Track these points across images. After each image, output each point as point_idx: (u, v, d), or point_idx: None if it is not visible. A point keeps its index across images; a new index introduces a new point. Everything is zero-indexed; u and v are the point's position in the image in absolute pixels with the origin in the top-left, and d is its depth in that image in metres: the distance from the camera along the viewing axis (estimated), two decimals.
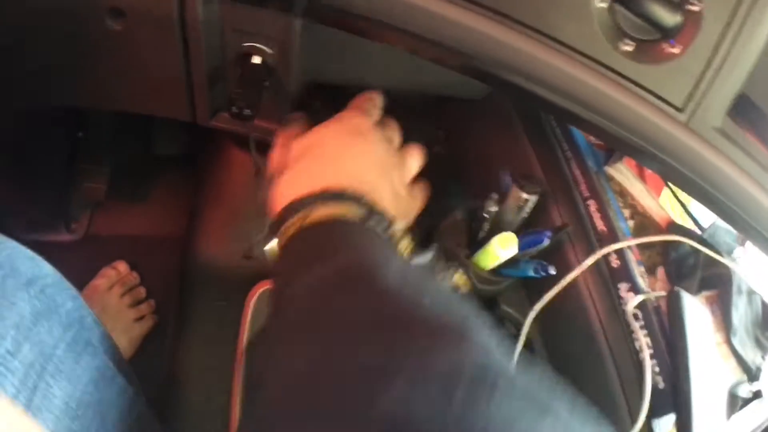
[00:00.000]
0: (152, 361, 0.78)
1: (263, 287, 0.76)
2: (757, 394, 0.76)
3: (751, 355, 0.71)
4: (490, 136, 0.68)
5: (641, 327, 0.61)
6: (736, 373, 0.70)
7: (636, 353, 0.61)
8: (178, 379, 0.74)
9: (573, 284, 0.62)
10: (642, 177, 0.70)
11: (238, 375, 0.72)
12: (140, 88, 0.65)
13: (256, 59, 0.58)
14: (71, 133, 0.78)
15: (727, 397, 0.74)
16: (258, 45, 0.58)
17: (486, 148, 0.64)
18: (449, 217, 0.61)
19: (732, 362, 0.70)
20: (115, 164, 0.82)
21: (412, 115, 0.76)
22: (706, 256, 0.70)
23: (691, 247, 0.69)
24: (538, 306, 0.58)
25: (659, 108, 0.49)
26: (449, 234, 0.61)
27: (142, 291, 0.82)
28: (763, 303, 0.75)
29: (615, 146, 0.64)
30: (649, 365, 0.58)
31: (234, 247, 0.75)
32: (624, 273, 0.63)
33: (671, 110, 0.49)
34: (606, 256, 0.63)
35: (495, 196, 0.59)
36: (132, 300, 0.81)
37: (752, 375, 0.70)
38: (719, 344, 0.69)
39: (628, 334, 0.60)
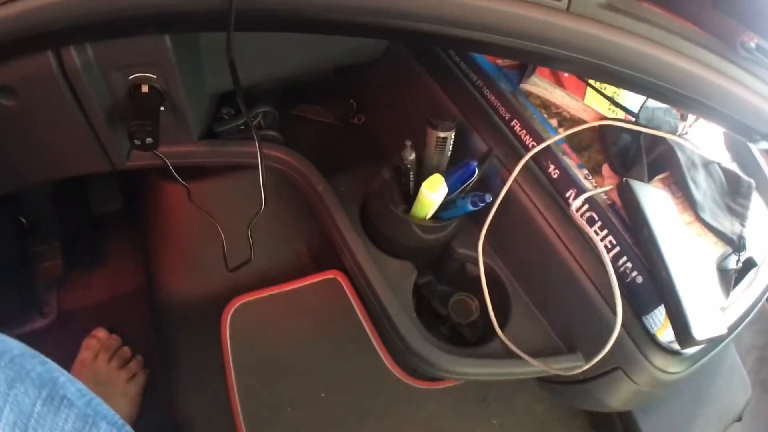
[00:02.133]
0: (157, 413, 0.78)
1: (236, 303, 0.76)
2: (748, 263, 0.74)
3: (729, 226, 0.69)
4: (398, 91, 0.67)
5: (600, 228, 0.60)
6: (718, 248, 0.68)
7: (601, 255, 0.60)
8: (183, 423, 0.73)
9: (519, 205, 0.61)
10: (561, 83, 0.68)
11: (235, 402, 0.72)
12: (50, 154, 0.66)
13: (144, 88, 0.59)
14: (13, 221, 0.79)
15: (719, 275, 0.72)
16: (142, 74, 0.58)
17: (398, 104, 0.64)
18: (377, 179, 0.60)
19: (710, 237, 0.67)
20: (63, 236, 0.83)
21: (325, 95, 0.76)
22: (649, 140, 0.68)
23: (630, 134, 0.67)
24: (483, 231, 0.57)
25: (540, 4, 0.48)
26: (381, 195, 0.60)
27: (127, 350, 0.82)
28: (724, 170, 0.73)
29: (514, 57, 0.63)
30: (608, 262, 0.56)
31: (195, 276, 0.75)
32: (566, 180, 0.61)
33: (550, 2, 0.48)
34: (544, 168, 0.62)
35: (408, 143, 0.58)
36: (120, 362, 0.81)
37: (736, 245, 0.68)
38: (689, 224, 0.67)
39: (583, 236, 0.59)
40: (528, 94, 0.67)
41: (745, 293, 0.70)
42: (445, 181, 0.56)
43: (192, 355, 0.74)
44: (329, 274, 0.79)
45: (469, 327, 0.64)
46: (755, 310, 0.71)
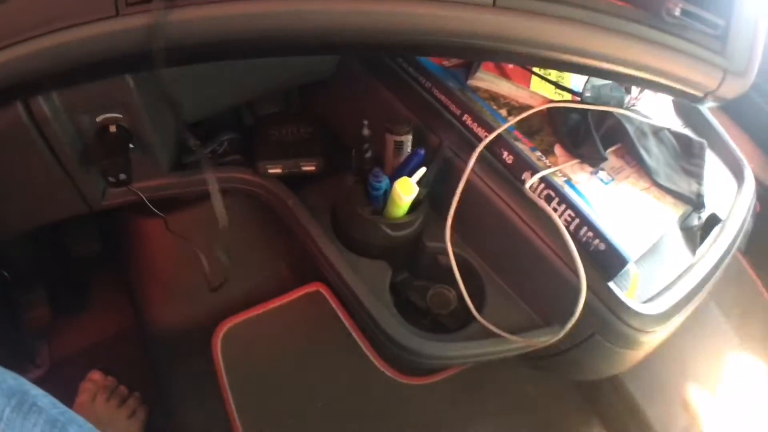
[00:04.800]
0: None
1: (225, 326, 0.78)
2: (712, 220, 0.77)
3: (686, 186, 0.72)
4: (354, 103, 0.70)
5: (558, 203, 0.63)
6: (678, 209, 0.70)
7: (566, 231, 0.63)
8: None
9: (480, 194, 0.63)
10: (506, 75, 0.72)
11: (234, 420, 0.73)
12: (29, 202, 0.68)
13: (112, 128, 0.61)
14: None
15: (683, 234, 0.75)
16: (108, 115, 0.61)
17: (356, 115, 0.67)
18: (341, 186, 0.63)
19: (669, 200, 0.70)
20: (47, 284, 0.84)
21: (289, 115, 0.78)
22: (597, 116, 0.71)
23: (578, 113, 0.70)
24: (448, 223, 0.60)
25: (468, 3, 0.52)
26: (348, 201, 0.62)
27: (123, 389, 0.83)
28: (675, 134, 0.76)
29: (457, 55, 0.66)
30: (565, 231, 0.59)
31: (181, 306, 0.77)
32: (521, 163, 0.64)
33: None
34: (499, 156, 0.65)
35: (365, 122, 0.61)
36: (118, 400, 0.82)
37: (696, 203, 0.71)
38: (646, 189, 0.70)
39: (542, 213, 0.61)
40: (476, 89, 0.71)
41: (712, 248, 0.73)
42: (400, 170, 0.59)
43: (187, 381, 0.75)
44: (311, 287, 0.81)
45: (450, 316, 0.66)
46: (724, 263, 0.74)
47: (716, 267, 0.72)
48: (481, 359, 0.62)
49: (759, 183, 1.05)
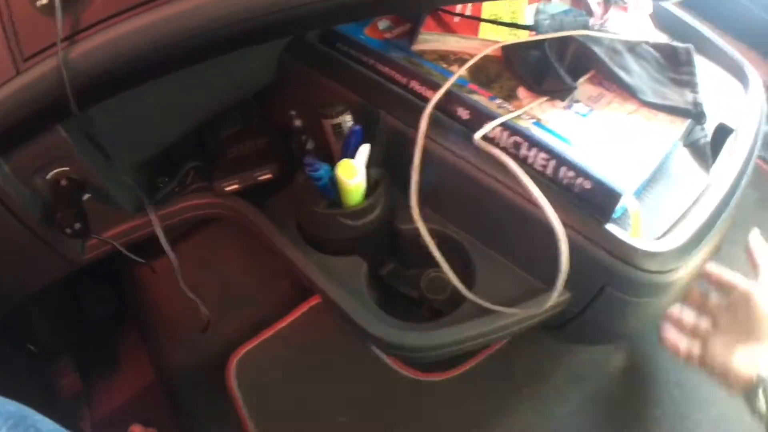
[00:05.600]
0: None
1: (236, 356, 0.76)
2: (722, 131, 0.67)
3: (679, 98, 0.63)
4: (300, 101, 0.66)
5: (528, 147, 0.56)
6: (677, 125, 0.62)
7: (540, 174, 0.56)
8: None
9: (440, 160, 0.57)
10: (452, 30, 0.66)
11: None
12: (11, 273, 0.69)
13: (63, 182, 0.61)
14: (20, 350, 0.83)
15: (691, 153, 0.66)
16: (56, 170, 0.61)
17: (304, 112, 0.63)
18: (293, 185, 0.60)
19: (662, 117, 0.62)
20: (72, 351, 0.86)
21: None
22: (557, 45, 0.64)
23: (538, 49, 0.64)
24: (413, 199, 0.55)
25: None
26: (302, 200, 0.59)
27: None
28: (655, 45, 0.68)
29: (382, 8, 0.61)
30: (521, 175, 0.53)
31: (188, 345, 0.76)
32: (479, 116, 0.58)
33: None
34: (454, 114, 0.59)
35: (305, 137, 0.57)
36: None
37: (694, 113, 0.62)
38: (634, 112, 0.62)
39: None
40: (422, 53, 0.66)
41: (728, 162, 0.63)
42: (343, 154, 0.55)
43: (208, 418, 0.73)
44: (314, 300, 0.78)
45: (447, 301, 0.61)
46: (746, 176, 0.64)
47: (737, 181, 0.62)
48: (480, 341, 0.56)
49: None
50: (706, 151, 0.64)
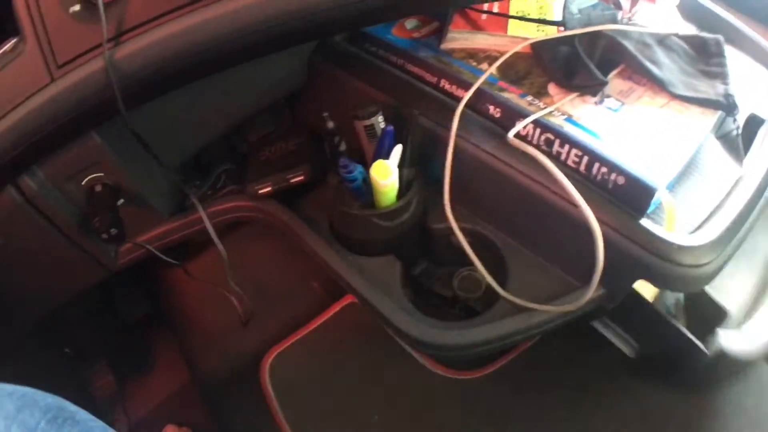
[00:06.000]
0: None
1: (270, 357, 0.76)
2: (753, 122, 0.67)
3: (710, 90, 0.63)
4: (332, 103, 0.67)
5: (561, 144, 0.56)
6: (708, 117, 0.62)
7: (574, 171, 0.56)
8: None
9: (473, 158, 0.58)
10: (480, 27, 0.66)
11: None
12: (50, 278, 0.71)
13: (98, 188, 0.62)
14: (58, 352, 0.85)
15: (723, 146, 0.65)
16: (91, 176, 0.62)
17: (337, 115, 0.64)
18: (327, 187, 0.60)
19: (695, 110, 0.62)
20: (108, 353, 0.87)
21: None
22: (587, 41, 0.64)
23: (568, 45, 0.64)
24: (445, 198, 0.55)
25: None
26: (335, 202, 0.59)
27: None
28: (685, 37, 0.67)
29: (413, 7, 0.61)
30: (555, 171, 0.53)
31: (222, 347, 0.77)
32: (510, 114, 0.58)
33: None
34: (485, 112, 0.59)
35: (325, 114, 0.58)
36: None
37: (726, 105, 0.62)
38: (665, 105, 0.62)
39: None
40: (451, 52, 0.66)
41: (760, 154, 0.63)
42: (377, 155, 0.55)
43: (244, 419, 0.75)
44: (346, 300, 0.78)
45: (481, 299, 0.61)
46: None
47: None
48: (515, 339, 0.57)
49: None
50: (738, 143, 0.64)
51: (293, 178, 0.64)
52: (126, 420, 0.89)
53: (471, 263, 0.58)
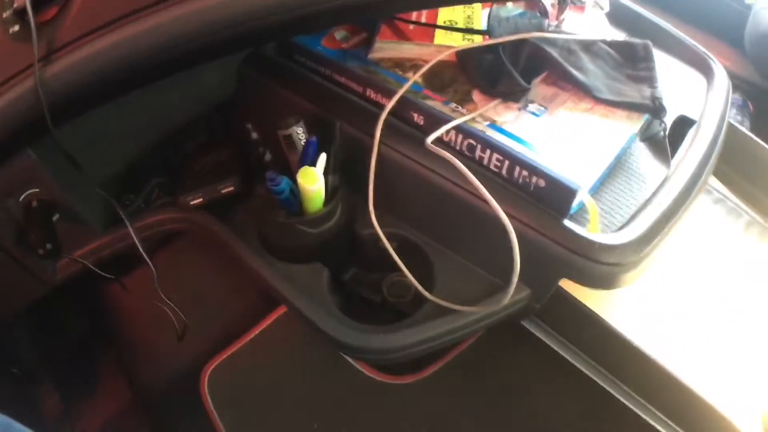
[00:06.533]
0: None
1: (209, 369, 0.75)
2: (682, 123, 0.68)
3: (635, 93, 0.64)
4: (260, 113, 0.68)
5: (483, 149, 0.56)
6: (634, 121, 0.62)
7: (496, 175, 0.57)
8: None
9: (398, 165, 0.58)
10: (408, 38, 0.67)
11: None
12: None
13: (34, 203, 0.62)
14: (6, 373, 0.84)
15: (650, 148, 0.66)
16: (27, 192, 0.62)
17: (264, 125, 0.64)
18: (252, 201, 0.60)
19: (620, 114, 0.62)
20: (53, 373, 0.86)
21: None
22: (512, 48, 0.65)
23: (493, 52, 0.64)
24: (369, 204, 0.56)
25: None
26: (261, 211, 0.59)
27: None
28: (612, 43, 0.68)
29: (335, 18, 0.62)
30: (468, 174, 0.53)
31: (161, 361, 0.76)
32: (432, 120, 0.58)
33: None
34: (409, 120, 0.60)
35: (262, 149, 0.58)
36: None
37: (653, 108, 0.63)
38: (589, 110, 0.62)
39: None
40: (378, 62, 0.66)
41: (689, 153, 0.63)
42: (301, 163, 0.56)
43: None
44: (282, 310, 0.78)
45: (411, 303, 0.61)
46: (708, 166, 0.64)
47: (699, 171, 0.62)
48: (443, 341, 0.56)
49: (740, 79, 0.94)
50: (665, 144, 0.64)
51: (224, 188, 0.64)
52: None
53: (395, 269, 0.58)
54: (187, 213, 0.65)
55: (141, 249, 0.60)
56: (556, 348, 0.62)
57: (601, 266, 0.54)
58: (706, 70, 0.73)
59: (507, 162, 0.56)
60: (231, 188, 0.64)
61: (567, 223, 0.54)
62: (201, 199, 0.65)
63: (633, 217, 0.58)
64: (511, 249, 0.53)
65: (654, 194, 0.60)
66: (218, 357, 0.75)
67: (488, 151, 0.56)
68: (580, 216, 0.57)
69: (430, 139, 0.55)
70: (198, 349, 0.75)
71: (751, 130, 0.90)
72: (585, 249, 0.53)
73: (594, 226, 0.56)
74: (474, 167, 0.56)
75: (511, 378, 0.69)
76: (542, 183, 0.54)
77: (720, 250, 0.75)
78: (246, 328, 0.76)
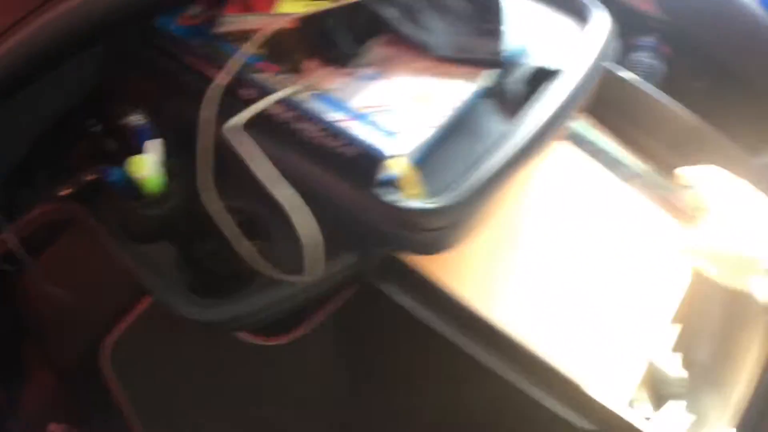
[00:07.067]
0: None
1: (108, 344, 0.78)
2: (540, 75, 0.64)
3: (480, 47, 0.62)
4: (114, 101, 0.69)
5: (302, 119, 0.56)
6: (476, 78, 0.60)
7: (315, 146, 0.56)
8: None
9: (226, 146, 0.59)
10: (250, 8, 0.66)
11: None
12: None
13: None
14: None
15: (500, 103, 0.63)
16: None
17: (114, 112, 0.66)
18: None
19: (462, 71, 0.60)
20: None
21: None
22: (349, 13, 0.63)
23: (328, 17, 0.63)
24: (199, 177, 0.58)
25: None
26: (114, 198, 0.62)
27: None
28: None
29: None
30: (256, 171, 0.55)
31: (59, 347, 0.82)
32: (262, 95, 0.59)
33: None
34: (242, 97, 0.60)
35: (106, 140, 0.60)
36: None
37: (495, 63, 0.61)
38: (426, 69, 0.61)
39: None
40: (225, 36, 0.66)
41: (537, 109, 0.61)
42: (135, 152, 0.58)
43: (94, 408, 0.79)
44: None
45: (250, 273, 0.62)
46: (562, 121, 0.62)
47: (547, 126, 0.60)
48: (279, 308, 0.58)
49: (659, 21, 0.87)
50: (512, 99, 0.62)
51: (88, 177, 0.67)
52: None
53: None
54: (59, 204, 0.68)
55: (15, 245, 0.64)
56: (409, 310, 0.63)
57: (416, 233, 0.54)
58: (579, 15, 0.69)
59: (323, 133, 0.55)
60: (94, 176, 0.67)
61: (376, 191, 0.53)
62: (69, 189, 0.68)
63: (460, 179, 0.57)
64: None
65: (489, 153, 0.58)
66: (112, 334, 0.78)
67: (306, 123, 0.56)
68: (400, 183, 0.56)
69: (230, 123, 0.55)
70: (91, 330, 0.79)
71: (669, 72, 0.85)
72: (397, 217, 0.53)
73: (411, 192, 0.55)
74: (294, 140, 0.56)
75: (376, 338, 0.71)
76: (353, 151, 0.54)
77: (589, 202, 0.74)
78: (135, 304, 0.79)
